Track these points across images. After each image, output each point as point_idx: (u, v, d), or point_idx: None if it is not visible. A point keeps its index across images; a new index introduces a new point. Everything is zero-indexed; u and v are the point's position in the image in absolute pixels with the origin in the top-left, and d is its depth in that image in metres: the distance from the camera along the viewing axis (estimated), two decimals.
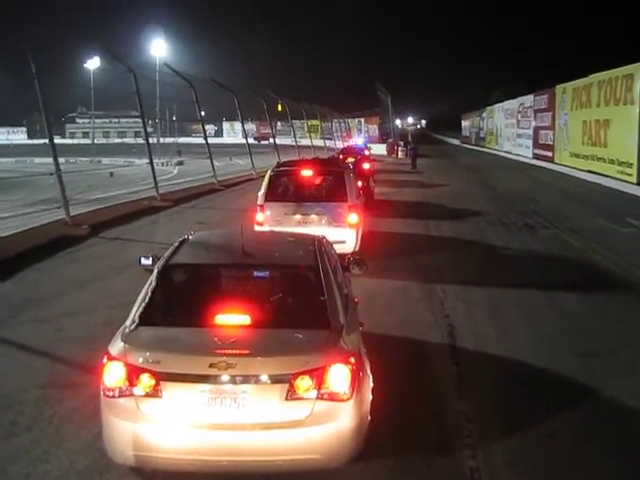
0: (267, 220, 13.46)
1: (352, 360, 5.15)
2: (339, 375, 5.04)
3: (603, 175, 33.68)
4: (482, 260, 14.37)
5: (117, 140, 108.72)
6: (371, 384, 5.48)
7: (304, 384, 4.97)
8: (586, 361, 8.29)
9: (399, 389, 6.83)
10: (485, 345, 8.80)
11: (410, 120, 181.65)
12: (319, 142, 62.18)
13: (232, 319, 5.42)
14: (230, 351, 5.06)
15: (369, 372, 5.51)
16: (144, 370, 5.01)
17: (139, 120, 30.16)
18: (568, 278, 12.69)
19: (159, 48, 69.96)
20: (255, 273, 6.22)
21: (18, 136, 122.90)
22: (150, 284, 5.81)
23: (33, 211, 21.37)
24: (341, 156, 30.77)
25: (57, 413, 6.64)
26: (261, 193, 13.96)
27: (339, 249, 8.36)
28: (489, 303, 10.89)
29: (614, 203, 25.71)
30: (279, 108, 53.67)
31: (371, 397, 5.43)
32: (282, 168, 15.20)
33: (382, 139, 79.77)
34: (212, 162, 30.89)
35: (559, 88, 44.95)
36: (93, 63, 69.87)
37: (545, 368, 8.01)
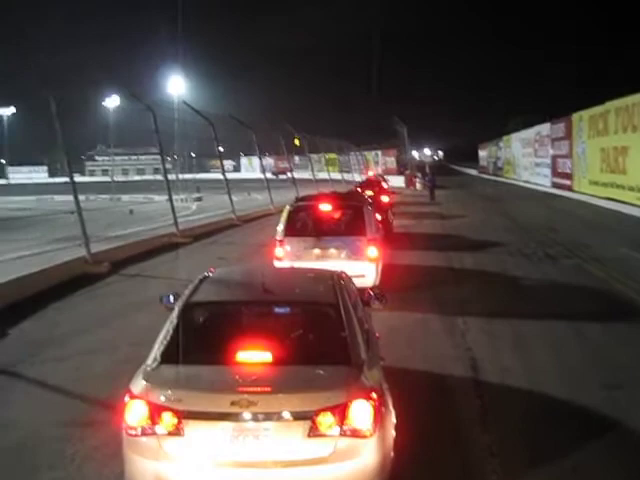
0: (286, 255, 13.46)
1: (374, 396, 5.12)
2: (361, 411, 5.01)
3: (623, 202, 33.50)
4: (504, 291, 14.27)
5: (136, 177, 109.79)
6: (394, 420, 5.44)
7: (326, 421, 4.94)
8: (610, 392, 8.19)
9: (422, 424, 6.76)
10: (508, 378, 8.72)
11: (427, 151, 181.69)
12: (337, 175, 62.37)
13: (253, 356, 5.40)
14: (252, 388, 5.04)
15: (391, 407, 5.46)
16: (166, 408, 5.00)
17: (158, 157, 30.43)
18: (591, 308, 12.57)
19: (177, 85, 70.53)
20: (276, 310, 6.21)
21: (39, 175, 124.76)
22: (171, 322, 5.81)
23: (54, 249, 21.51)
24: (359, 189, 30.79)
25: (79, 452, 6.63)
26: (280, 228, 13.98)
27: (359, 283, 8.34)
28: (511, 335, 10.80)
29: (635, 231, 25.53)
30: (296, 142, 53.87)
31: (394, 433, 5.38)
32: (300, 203, 15.23)
33: (400, 171, 79.89)
34: (230, 197, 31.01)
35: (576, 116, 44.93)
36: (112, 101, 70.73)
37: (569, 400, 7.92)
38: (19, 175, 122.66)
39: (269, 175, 45.08)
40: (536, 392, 8.23)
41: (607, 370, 9.11)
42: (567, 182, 47.04)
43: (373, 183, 35.09)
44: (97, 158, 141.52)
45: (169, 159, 71.43)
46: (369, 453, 5.00)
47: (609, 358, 9.66)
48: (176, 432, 4.98)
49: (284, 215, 14.32)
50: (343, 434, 4.96)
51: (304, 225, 14.35)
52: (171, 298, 6.97)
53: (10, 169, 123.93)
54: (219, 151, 34.60)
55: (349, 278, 7.31)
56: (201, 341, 5.88)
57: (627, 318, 11.88)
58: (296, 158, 70.96)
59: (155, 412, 5.03)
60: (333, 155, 70.26)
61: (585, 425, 7.23)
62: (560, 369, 9.16)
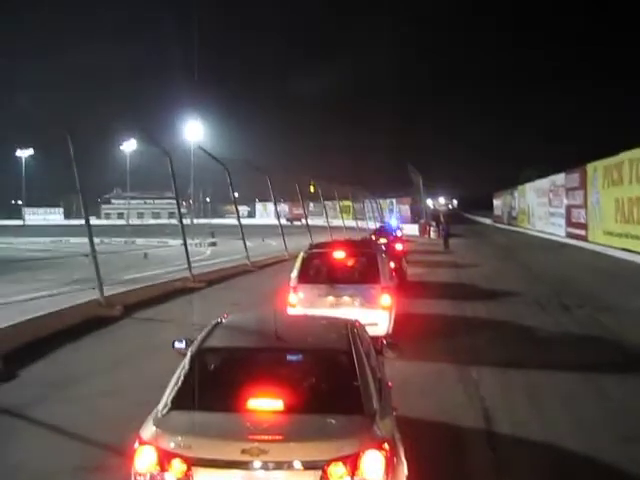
0: (300, 302, 13.44)
1: (386, 446, 5.06)
2: (373, 462, 4.95)
3: (638, 253, 33.35)
4: (517, 342, 14.16)
5: (151, 221, 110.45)
6: (405, 471, 5.37)
7: (338, 471, 4.88)
8: (627, 446, 8.07)
9: (435, 476, 6.68)
10: (522, 430, 8.61)
11: (441, 200, 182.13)
12: (351, 222, 62.50)
13: (265, 404, 5.36)
14: (263, 437, 5.00)
15: (403, 458, 5.40)
16: (175, 455, 4.97)
17: (173, 201, 30.60)
18: (606, 359, 12.47)
19: (194, 131, 71.32)
20: (288, 357, 6.17)
21: (55, 216, 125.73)
22: (183, 368, 5.80)
23: (68, 291, 21.60)
24: (373, 237, 30.84)
25: None
26: (294, 275, 13.98)
27: (372, 331, 8.32)
28: (525, 386, 10.69)
29: None
30: (311, 189, 54.20)
31: None
32: (315, 250, 15.24)
33: (414, 219, 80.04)
34: (245, 243, 31.10)
35: (590, 166, 44.97)
36: (129, 145, 71.50)
37: (585, 454, 7.80)
38: (35, 217, 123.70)
39: (283, 221, 45.25)
40: (550, 445, 8.10)
41: (623, 423, 8.98)
42: (582, 232, 46.92)
43: (387, 231, 35.18)
44: (113, 201, 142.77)
45: (184, 204, 71.94)
46: None
47: (624, 410, 9.54)
48: (185, 479, 4.94)
49: (298, 262, 14.34)
50: None
51: (318, 272, 14.34)
52: (184, 343, 6.97)
53: (26, 210, 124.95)
54: (234, 196, 34.77)
55: (362, 326, 7.28)
56: (213, 387, 5.85)
57: None
58: (311, 205, 71.30)
59: (164, 458, 4.99)
60: (347, 202, 70.52)
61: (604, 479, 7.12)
62: (574, 421, 9.04)
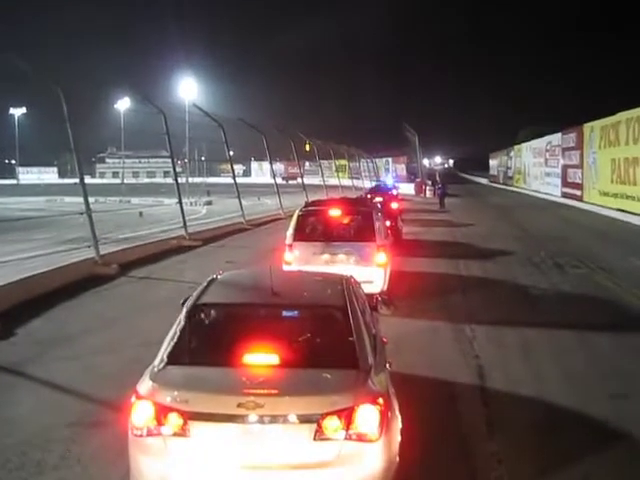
0: (295, 259, 13.46)
1: (380, 401, 5.11)
2: (367, 416, 5.00)
3: (633, 213, 33.40)
4: (512, 300, 14.23)
5: (146, 180, 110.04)
6: (400, 425, 5.42)
7: (332, 424, 4.93)
8: (618, 403, 8.16)
9: (428, 430, 6.74)
10: (515, 386, 8.69)
11: (438, 159, 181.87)
12: (347, 182, 62.40)
13: (260, 359, 5.40)
14: (258, 391, 5.03)
15: (398, 413, 5.45)
16: (172, 409, 5.00)
17: (168, 160, 30.49)
18: (599, 318, 12.55)
19: (189, 89, 70.69)
20: (283, 313, 6.19)
21: (49, 176, 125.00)
22: (179, 323, 5.82)
23: (63, 250, 21.62)
24: (369, 195, 30.80)
25: (85, 452, 6.64)
26: (289, 233, 13.97)
27: (367, 289, 8.35)
28: (519, 344, 10.77)
29: None
30: (307, 148, 53.97)
31: (400, 438, 5.37)
32: (310, 208, 15.22)
33: (410, 179, 79.94)
34: (240, 202, 31.05)
35: (587, 126, 44.86)
36: (123, 104, 70.78)
37: (577, 410, 7.89)
38: (29, 176, 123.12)
39: (279, 180, 45.12)
40: (543, 400, 8.20)
41: (614, 380, 9.06)
42: (577, 192, 46.93)
43: (383, 190, 35.13)
44: (108, 160, 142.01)
45: (179, 162, 71.60)
46: (374, 458, 4.99)
47: (616, 368, 9.61)
48: (182, 433, 4.98)
49: (293, 220, 14.32)
50: (349, 438, 4.95)
51: (313, 230, 14.34)
52: None
53: (20, 169, 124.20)
54: (229, 155, 34.63)
55: (357, 282, 7.30)
56: (208, 343, 5.89)
57: (635, 328, 11.87)
58: (306, 164, 71.05)
59: (161, 413, 5.03)
60: (343, 161, 70.36)
61: (593, 435, 7.20)
62: (567, 378, 9.12)
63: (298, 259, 13.43)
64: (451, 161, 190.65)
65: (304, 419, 4.92)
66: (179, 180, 27.89)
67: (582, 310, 13.38)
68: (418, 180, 73.00)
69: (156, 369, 5.41)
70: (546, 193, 57.34)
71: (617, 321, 12.43)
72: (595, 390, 8.63)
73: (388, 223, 17.78)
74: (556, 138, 55.10)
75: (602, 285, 16.15)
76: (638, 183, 34.00)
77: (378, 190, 35.22)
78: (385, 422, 5.07)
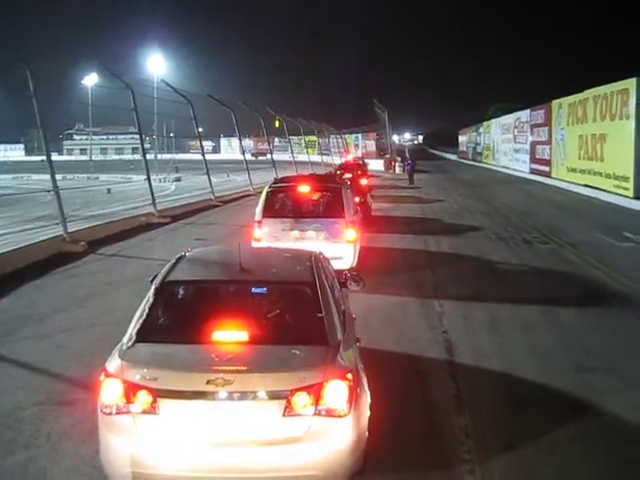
0: (264, 236, 13.45)
1: (349, 376, 5.14)
2: (336, 391, 5.03)
3: (600, 189, 33.74)
4: (480, 275, 14.35)
5: (115, 157, 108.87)
6: (369, 400, 5.47)
7: (301, 400, 4.96)
8: (584, 375, 8.29)
9: (397, 405, 6.83)
10: (483, 361, 8.80)
11: (407, 135, 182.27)
12: (317, 158, 62.31)
13: (229, 336, 5.41)
14: (227, 367, 5.05)
15: (367, 388, 5.49)
16: (141, 387, 5.00)
17: (137, 137, 30.28)
18: (566, 293, 12.71)
19: (157, 64, 70.10)
20: (252, 289, 6.19)
21: (15, 153, 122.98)
22: (147, 301, 5.81)
23: (31, 228, 21.40)
24: (339, 172, 30.78)
25: (54, 430, 6.62)
26: (258, 209, 13.95)
27: (336, 265, 8.38)
28: (487, 318, 10.88)
29: (611, 217, 25.73)
30: (277, 124, 53.72)
31: (369, 413, 5.41)
32: (279, 184, 15.18)
33: (379, 155, 79.97)
34: (209, 178, 30.95)
35: (555, 103, 45.11)
36: (91, 80, 69.96)
37: (543, 383, 8.00)
38: None
39: (249, 156, 44.93)
40: (510, 375, 8.30)
41: (580, 353, 9.21)
42: (545, 168, 47.27)
43: (352, 166, 35.10)
44: (75, 137, 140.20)
45: (148, 139, 71.00)
46: (344, 433, 5.04)
47: (582, 342, 9.76)
48: (151, 411, 4.98)
49: (263, 196, 14.29)
50: (318, 414, 4.98)
51: (283, 206, 14.33)
52: None
53: None
54: (198, 131, 34.43)
55: (327, 259, 7.32)
56: (177, 320, 5.89)
57: (600, 302, 12.02)
58: (276, 140, 70.77)
59: (130, 391, 5.02)
60: (313, 137, 70.18)
61: (559, 407, 7.32)
62: (534, 352, 9.25)
63: (267, 236, 13.42)
64: (420, 137, 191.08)
65: (273, 395, 4.94)
66: (148, 157, 27.71)
67: (549, 284, 13.54)
68: (387, 156, 73.09)
69: (125, 347, 5.39)
70: (515, 169, 57.69)
71: (583, 295, 12.60)
72: (562, 364, 8.75)
73: (357, 199, 17.81)
74: (525, 114, 55.37)
75: (569, 260, 16.34)
76: (605, 159, 34.31)
77: (347, 166, 35.19)
78: (354, 397, 5.11)
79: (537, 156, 50.52)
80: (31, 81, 16.74)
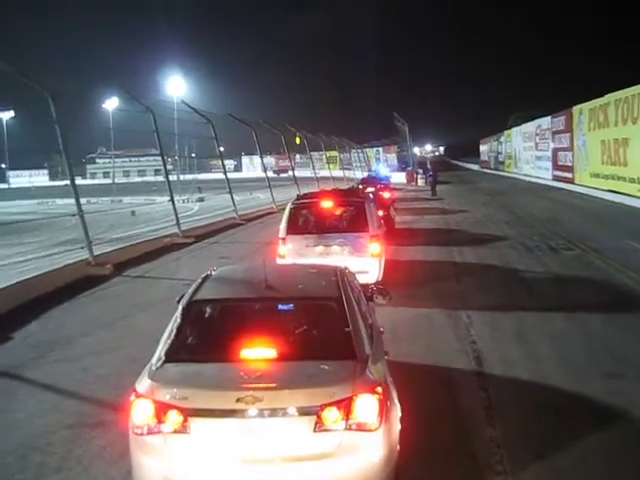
0: (289, 253, 13.46)
1: (379, 390, 5.13)
2: (366, 405, 5.01)
3: (624, 194, 33.49)
4: (506, 285, 14.28)
5: (137, 179, 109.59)
6: (399, 413, 5.45)
7: (332, 415, 4.94)
8: (614, 382, 8.22)
9: (428, 417, 6.78)
10: (512, 370, 8.74)
11: (428, 147, 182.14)
12: (338, 173, 62.40)
13: (258, 353, 5.41)
14: (257, 385, 5.04)
15: (396, 401, 5.47)
16: (171, 407, 5.01)
17: (159, 158, 30.44)
18: (593, 300, 12.61)
19: (177, 86, 70.60)
20: (279, 306, 6.19)
21: (40, 178, 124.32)
22: (175, 321, 5.83)
23: (57, 252, 21.62)
24: (361, 186, 30.80)
25: (86, 453, 6.65)
26: (282, 226, 13.96)
27: (362, 279, 8.36)
28: (515, 328, 10.81)
29: (636, 222, 25.52)
30: (297, 141, 53.87)
31: (400, 426, 5.39)
32: (302, 200, 15.19)
33: (401, 167, 79.94)
34: (232, 197, 31.06)
35: (576, 109, 44.93)
36: (112, 103, 70.61)
37: (573, 391, 7.94)
38: (20, 179, 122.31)
39: (270, 174, 45.08)
40: (539, 383, 8.24)
41: (609, 360, 9.13)
42: (568, 175, 47.04)
43: (375, 180, 35.12)
44: (98, 161, 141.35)
45: (170, 160, 71.42)
46: (375, 447, 5.01)
47: (611, 348, 9.68)
48: (182, 430, 4.99)
49: (286, 213, 14.31)
50: (349, 428, 4.96)
51: (306, 223, 14.33)
52: None
53: (10, 173, 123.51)
54: (220, 151, 34.62)
55: (352, 273, 7.31)
56: (205, 339, 5.89)
57: (628, 308, 11.92)
58: (297, 156, 70.98)
59: (161, 410, 5.03)
60: (334, 153, 70.31)
61: (589, 415, 7.26)
62: (563, 360, 9.17)
63: (292, 252, 13.43)
64: (442, 148, 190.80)
65: (303, 411, 4.93)
66: (170, 177, 27.87)
67: (576, 291, 13.45)
68: (409, 169, 73.01)
69: (154, 367, 5.41)
70: (537, 177, 57.45)
71: (610, 301, 12.49)
72: (591, 371, 8.68)
73: (381, 213, 17.79)
74: (546, 122, 55.18)
75: (595, 266, 16.21)
76: (628, 164, 34.07)
77: (369, 180, 35.20)
78: (384, 411, 5.09)
79: (559, 163, 50.29)
80: (53, 106, 16.91)
